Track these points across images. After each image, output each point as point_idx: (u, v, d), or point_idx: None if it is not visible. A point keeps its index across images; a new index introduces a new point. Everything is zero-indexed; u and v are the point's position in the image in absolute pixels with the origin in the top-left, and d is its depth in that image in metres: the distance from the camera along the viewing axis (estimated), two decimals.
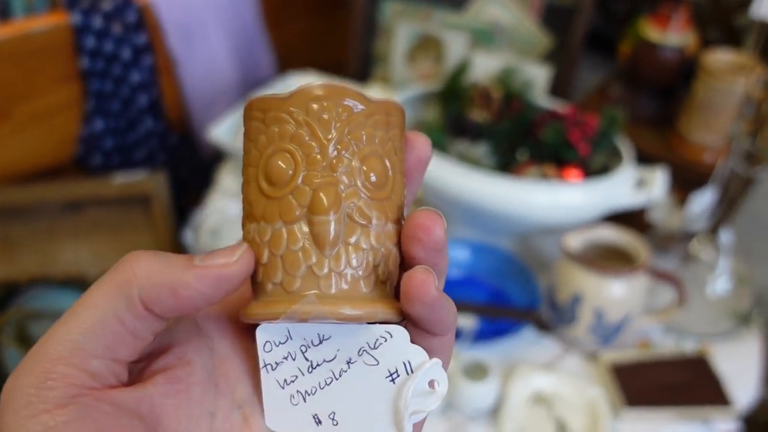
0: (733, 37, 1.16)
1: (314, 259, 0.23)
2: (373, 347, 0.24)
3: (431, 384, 0.24)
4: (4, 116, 1.05)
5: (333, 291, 0.23)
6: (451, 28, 1.22)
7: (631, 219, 0.97)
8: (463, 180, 0.89)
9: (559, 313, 0.87)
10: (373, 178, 0.24)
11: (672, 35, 1.05)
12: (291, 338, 0.25)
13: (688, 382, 0.83)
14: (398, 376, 0.24)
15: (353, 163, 0.24)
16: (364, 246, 0.24)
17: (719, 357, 0.88)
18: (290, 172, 0.24)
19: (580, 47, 1.16)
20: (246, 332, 0.26)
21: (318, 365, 0.25)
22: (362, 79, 1.34)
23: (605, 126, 0.96)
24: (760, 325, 0.93)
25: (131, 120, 1.18)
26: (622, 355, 0.86)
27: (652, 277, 0.85)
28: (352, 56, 1.34)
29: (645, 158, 1.02)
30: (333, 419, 0.25)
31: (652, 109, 1.13)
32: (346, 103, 0.24)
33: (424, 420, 0.25)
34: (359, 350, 0.24)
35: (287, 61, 1.39)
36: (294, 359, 0.25)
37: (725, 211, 0.88)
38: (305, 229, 0.23)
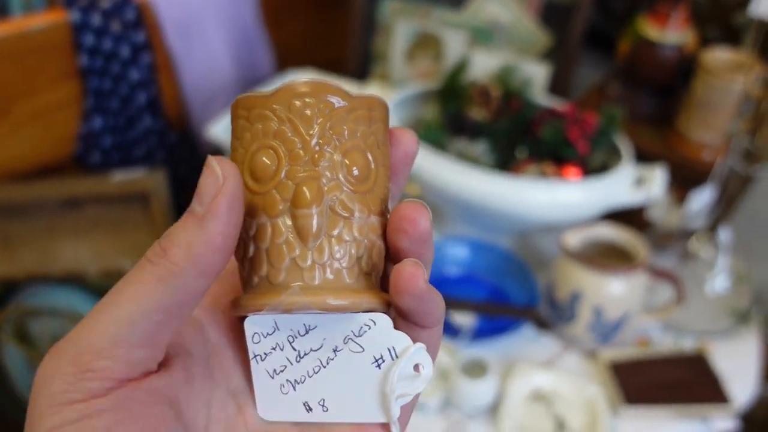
0: (731, 36, 1.16)
1: (298, 252, 0.24)
2: (357, 335, 0.25)
3: (416, 368, 0.25)
4: (3, 114, 1.05)
5: (317, 282, 0.24)
6: (451, 26, 1.22)
7: (630, 217, 0.97)
8: (462, 178, 0.89)
9: (558, 311, 0.87)
10: (356, 172, 0.25)
11: (671, 33, 1.05)
12: (278, 329, 0.25)
13: (687, 380, 0.83)
14: (384, 361, 0.25)
15: (335, 157, 0.24)
16: (347, 238, 0.24)
17: (718, 355, 0.88)
18: (273, 167, 0.24)
19: (579, 45, 1.16)
20: (237, 324, 0.27)
21: (306, 354, 0.25)
22: (361, 77, 1.34)
23: (604, 124, 0.96)
24: (759, 323, 0.93)
25: (130, 118, 1.18)
26: (621, 353, 0.86)
27: (651, 275, 0.85)
28: (352, 54, 1.34)
29: (644, 156, 1.02)
30: (323, 406, 0.25)
31: (651, 107, 1.13)
32: (328, 99, 0.25)
33: (414, 403, 0.26)
34: (344, 338, 0.25)
35: (286, 59, 1.39)
36: (282, 349, 0.25)
37: (724, 209, 0.88)
38: (289, 222, 0.24)
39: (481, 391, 0.79)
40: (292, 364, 0.25)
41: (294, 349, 0.25)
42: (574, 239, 0.86)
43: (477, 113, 1.02)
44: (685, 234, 0.95)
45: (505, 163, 1.00)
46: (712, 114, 1.01)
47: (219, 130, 1.11)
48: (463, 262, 0.99)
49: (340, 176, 0.24)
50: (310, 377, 0.25)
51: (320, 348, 0.25)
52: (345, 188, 0.24)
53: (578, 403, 0.81)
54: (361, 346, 0.25)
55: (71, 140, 1.14)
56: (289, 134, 0.24)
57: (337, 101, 0.25)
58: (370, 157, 0.25)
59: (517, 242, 1.04)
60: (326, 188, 0.24)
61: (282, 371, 0.26)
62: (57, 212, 1.11)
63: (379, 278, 0.26)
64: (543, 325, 0.91)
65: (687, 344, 0.90)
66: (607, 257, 0.88)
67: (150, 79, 1.17)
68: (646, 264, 0.83)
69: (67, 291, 1.08)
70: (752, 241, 1.05)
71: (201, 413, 0.24)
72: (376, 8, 1.30)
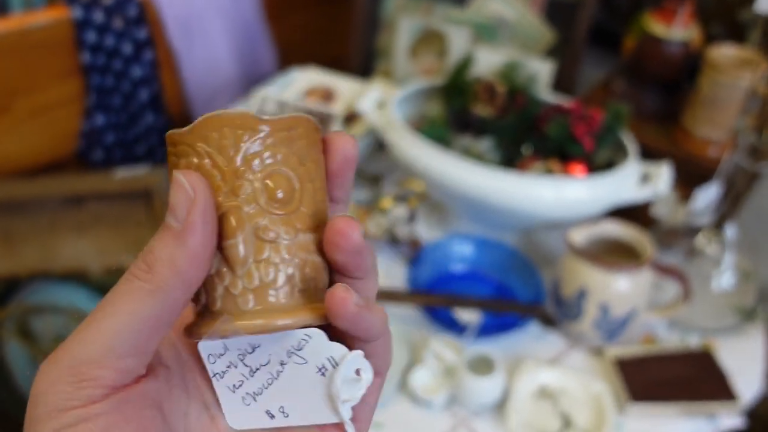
0: (737, 32, 1.15)
1: (227, 281, 0.25)
2: (298, 348, 0.26)
3: (358, 372, 0.26)
4: (5, 111, 1.04)
5: (250, 306, 0.25)
6: (454, 22, 1.21)
7: (635, 214, 0.97)
8: (468, 175, 0.89)
9: (565, 308, 0.87)
10: (280, 194, 0.26)
11: (676, 30, 1.04)
12: (228, 349, 0.27)
13: (693, 376, 0.83)
14: (327, 369, 0.26)
15: (256, 185, 0.25)
16: (276, 260, 0.25)
17: (724, 352, 0.88)
18: None
19: (583, 42, 1.16)
20: None
21: (257, 369, 0.27)
22: (365, 73, 1.33)
23: (610, 121, 0.96)
24: (765, 319, 0.93)
25: (132, 115, 1.18)
26: (626, 350, 0.86)
27: (656, 272, 0.85)
28: (354, 51, 1.33)
29: (650, 153, 1.02)
30: (283, 412, 0.28)
31: (656, 103, 1.12)
32: (244, 128, 0.25)
33: (372, 404, 0.28)
34: (287, 353, 0.27)
35: (288, 56, 1.39)
36: (236, 367, 0.27)
37: (730, 205, 0.88)
38: (218, 254, 0.25)
39: (488, 388, 0.79)
40: (247, 378, 0.27)
41: (246, 366, 0.27)
42: (579, 236, 0.86)
43: (482, 110, 1.02)
44: (691, 231, 0.94)
45: (510, 159, 1.00)
46: (718, 111, 1.01)
47: None
48: (468, 259, 0.98)
49: (261, 202, 0.25)
50: (266, 389, 0.27)
51: (268, 363, 0.27)
52: (267, 213, 0.25)
53: (584, 400, 0.81)
54: (303, 358, 0.27)
55: (73, 137, 1.13)
56: (209, 167, 0.25)
57: (252, 129, 0.25)
58: (293, 177, 0.26)
59: (523, 239, 1.04)
60: (247, 216, 0.25)
61: (240, 385, 0.27)
62: (59, 209, 1.10)
63: (321, 288, 0.27)
64: (549, 322, 0.90)
65: (693, 341, 0.90)
66: (613, 254, 0.88)
67: (152, 76, 1.17)
68: (652, 261, 0.82)
69: (70, 288, 1.07)
70: (758, 237, 1.05)
71: (180, 423, 0.26)
72: (380, 4, 1.30)
